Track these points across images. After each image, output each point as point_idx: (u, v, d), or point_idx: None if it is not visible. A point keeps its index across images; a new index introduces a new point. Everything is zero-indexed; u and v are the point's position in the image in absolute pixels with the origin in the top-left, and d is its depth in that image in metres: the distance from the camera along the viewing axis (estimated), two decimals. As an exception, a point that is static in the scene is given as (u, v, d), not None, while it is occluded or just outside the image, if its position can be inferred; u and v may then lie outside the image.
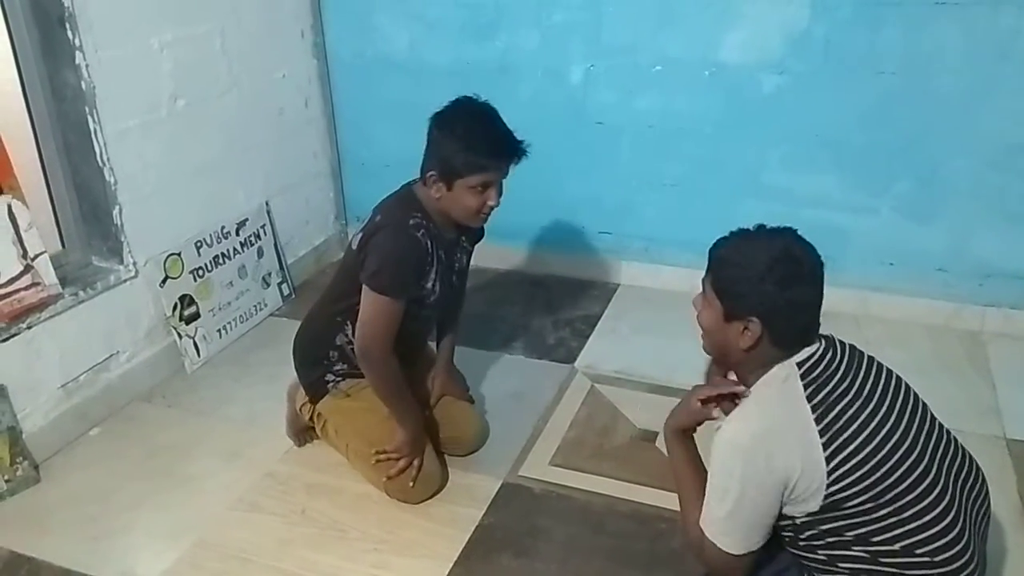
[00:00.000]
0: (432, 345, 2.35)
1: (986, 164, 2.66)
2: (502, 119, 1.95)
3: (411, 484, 2.09)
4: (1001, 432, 2.34)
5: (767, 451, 1.40)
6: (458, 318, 2.32)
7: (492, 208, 1.96)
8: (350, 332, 2.05)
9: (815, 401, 1.41)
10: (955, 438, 1.53)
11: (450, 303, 2.19)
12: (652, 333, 2.89)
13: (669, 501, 2.11)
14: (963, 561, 1.39)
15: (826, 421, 1.39)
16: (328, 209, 3.52)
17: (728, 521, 1.46)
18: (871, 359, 1.53)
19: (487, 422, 2.38)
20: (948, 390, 2.46)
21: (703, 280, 1.53)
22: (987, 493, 1.53)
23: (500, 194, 1.95)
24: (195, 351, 2.76)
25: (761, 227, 1.50)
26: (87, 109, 2.32)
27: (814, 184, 2.86)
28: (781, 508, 1.44)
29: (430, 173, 1.92)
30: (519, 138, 1.91)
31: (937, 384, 2.26)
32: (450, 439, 2.26)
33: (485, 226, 2.13)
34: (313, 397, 2.20)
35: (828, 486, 1.38)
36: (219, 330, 2.87)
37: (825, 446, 1.38)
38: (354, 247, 2.02)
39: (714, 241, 1.53)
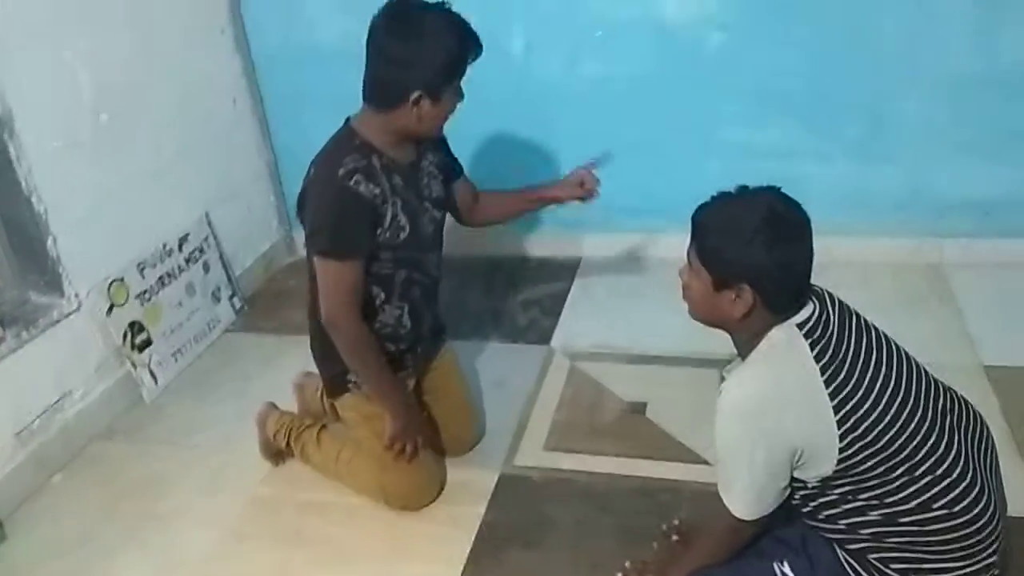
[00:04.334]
0: (450, 349, 2.22)
1: (933, 99, 2.69)
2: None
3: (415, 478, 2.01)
4: (977, 360, 2.39)
5: (777, 414, 1.37)
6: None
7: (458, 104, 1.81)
8: None
9: (823, 362, 1.37)
10: (947, 386, 1.51)
11: (439, 237, 1.99)
12: (622, 303, 2.86)
13: (670, 471, 2.12)
14: (981, 507, 1.37)
15: (836, 383, 1.36)
16: (270, 213, 3.37)
17: (741, 486, 1.43)
18: (857, 314, 1.50)
19: (484, 415, 2.30)
20: (919, 325, 2.48)
21: (688, 250, 1.47)
22: (989, 434, 1.52)
23: None
24: (152, 379, 2.60)
25: (742, 188, 1.44)
26: (4, 135, 2.14)
27: (768, 136, 2.85)
28: (792, 472, 1.41)
29: (415, 93, 1.70)
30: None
31: (907, 320, 2.26)
32: (453, 438, 2.18)
33: (450, 138, 1.99)
34: (332, 393, 2.06)
35: (841, 450, 1.35)
36: (174, 354, 2.71)
37: (836, 408, 1.35)
38: (298, 208, 1.87)
39: (695, 208, 1.47)
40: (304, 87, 3.15)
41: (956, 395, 1.50)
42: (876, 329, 1.49)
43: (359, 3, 2.95)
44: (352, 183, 1.73)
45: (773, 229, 1.35)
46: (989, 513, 1.38)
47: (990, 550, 1.39)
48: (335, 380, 2.02)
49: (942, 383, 1.49)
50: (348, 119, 1.85)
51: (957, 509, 1.36)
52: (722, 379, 1.53)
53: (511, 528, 1.98)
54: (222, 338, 2.92)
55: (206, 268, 2.91)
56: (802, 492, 1.45)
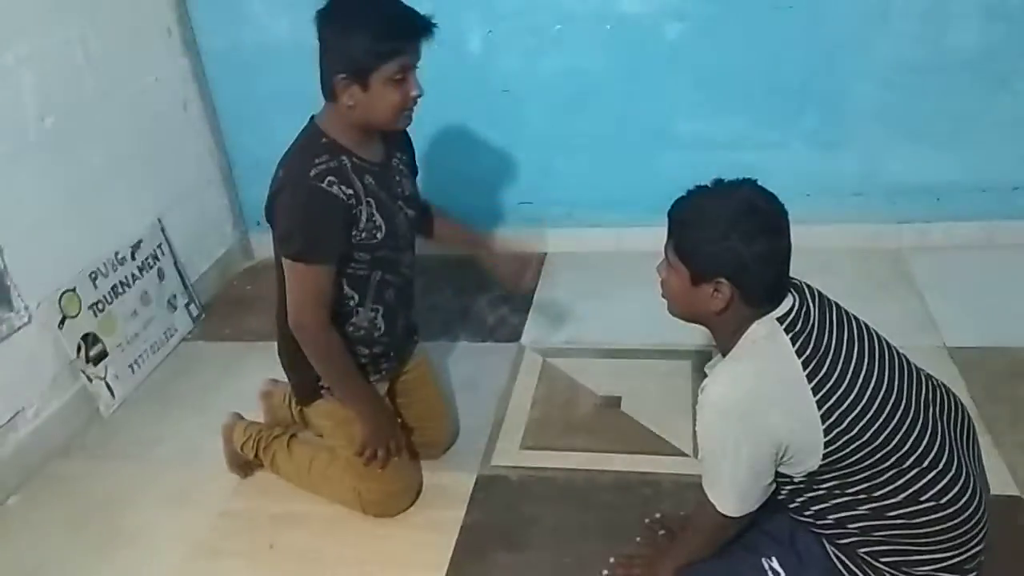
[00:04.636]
0: (423, 350, 2.18)
1: (886, 86, 2.73)
2: None
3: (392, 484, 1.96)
4: (941, 342, 2.43)
5: (760, 409, 1.36)
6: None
7: (416, 99, 1.68)
8: None
9: (804, 356, 1.36)
10: (927, 374, 1.51)
11: (413, 236, 1.93)
12: (590, 297, 2.84)
13: (649, 464, 2.11)
14: (967, 498, 1.38)
15: (818, 377, 1.35)
16: (224, 217, 3.28)
17: (726, 483, 1.42)
18: (837, 306, 1.49)
19: (458, 417, 2.26)
20: (883, 310, 2.47)
21: (665, 246, 1.46)
22: (970, 421, 1.52)
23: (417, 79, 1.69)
24: (109, 393, 2.51)
25: (719, 182, 1.43)
26: (-56, 143, 2.03)
27: (727, 127, 2.87)
28: (777, 468, 1.40)
29: (339, 78, 1.64)
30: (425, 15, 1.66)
31: (871, 305, 2.24)
32: (427, 442, 2.14)
33: (412, 137, 1.93)
34: (303, 400, 1.99)
35: (826, 444, 1.34)
36: (131, 365, 2.62)
37: (820, 403, 1.34)
38: (265, 211, 1.78)
39: (672, 203, 1.45)
40: (257, 87, 3.07)
41: (936, 383, 1.50)
42: (857, 320, 1.49)
43: (309, 3, 2.87)
44: (325, 184, 1.67)
45: (751, 222, 1.34)
46: (975, 504, 1.39)
47: (978, 539, 1.40)
48: (306, 386, 1.95)
49: (923, 371, 1.49)
50: (312, 117, 1.79)
51: (944, 501, 1.36)
52: (704, 376, 1.53)
53: (492, 530, 1.95)
54: (180, 347, 2.83)
55: (161, 275, 2.81)
56: (789, 487, 1.45)
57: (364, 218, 1.73)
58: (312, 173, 1.66)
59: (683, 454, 2.12)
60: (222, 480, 2.18)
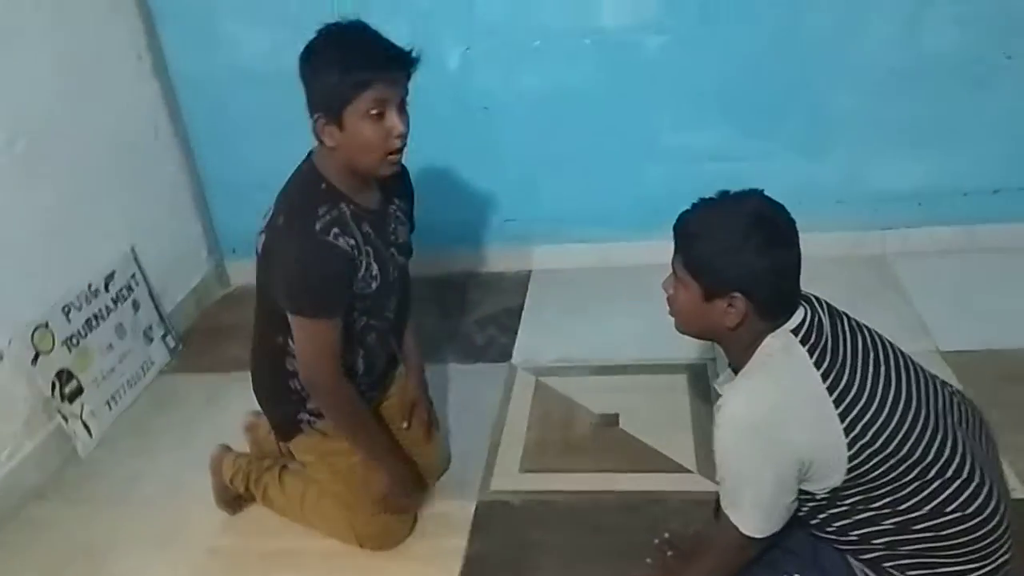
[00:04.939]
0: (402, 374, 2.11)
1: (866, 93, 2.74)
2: (377, 31, 1.62)
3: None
4: (933, 346, 2.43)
5: (782, 425, 1.32)
6: (409, 309, 2.03)
7: (401, 136, 1.57)
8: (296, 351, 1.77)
9: (823, 369, 1.33)
10: (942, 381, 1.49)
11: (402, 287, 1.88)
12: (579, 314, 2.81)
13: (653, 483, 2.06)
14: (992, 506, 1.35)
15: (839, 389, 1.32)
16: (199, 245, 3.19)
17: (749, 504, 1.37)
18: (846, 316, 1.47)
19: (448, 442, 2.20)
20: (874, 316, 2.42)
21: (673, 261, 1.42)
22: (985, 426, 1.50)
23: (405, 117, 1.58)
24: (86, 431, 2.40)
25: (724, 194, 1.39)
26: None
27: (710, 138, 2.86)
28: (799, 485, 1.36)
29: (316, 117, 1.56)
30: (406, 47, 1.57)
31: (860, 312, 2.22)
32: (419, 469, 2.06)
33: (411, 180, 1.87)
34: (284, 436, 1.91)
35: (850, 458, 1.31)
36: (108, 402, 2.51)
37: (842, 416, 1.31)
38: (258, 250, 1.69)
39: (677, 216, 1.41)
40: (229, 111, 3.00)
41: (952, 390, 1.48)
42: (868, 329, 1.46)
43: (281, 18, 2.79)
44: (331, 237, 1.60)
45: (763, 234, 1.31)
46: (1001, 512, 1.36)
47: (1004, 547, 1.37)
48: (287, 422, 1.88)
49: (937, 378, 1.47)
50: (310, 153, 1.71)
51: (970, 511, 1.33)
52: (716, 394, 1.49)
53: (498, 558, 1.89)
54: (158, 380, 2.73)
55: (135, 306, 2.72)
56: (810, 504, 1.40)
57: (363, 268, 1.68)
58: (318, 227, 1.59)
59: (687, 470, 2.08)
60: (209, 517, 2.09)
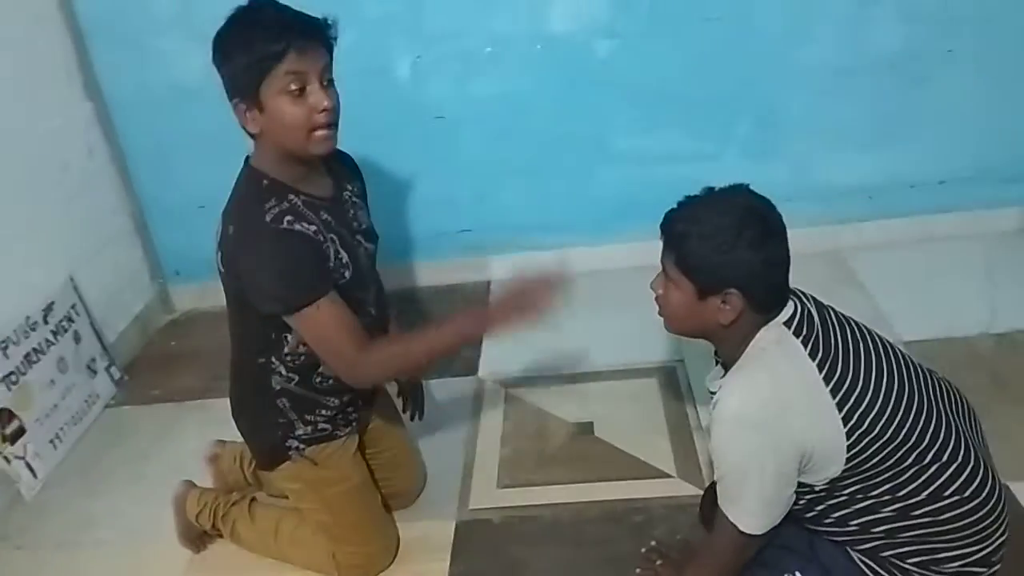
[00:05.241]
0: (387, 394, 2.04)
1: (814, 92, 2.78)
2: (287, 5, 1.52)
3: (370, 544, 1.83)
4: (898, 338, 2.45)
5: (781, 417, 1.30)
6: (388, 303, 1.90)
7: (327, 111, 1.47)
8: (283, 369, 1.67)
9: (818, 359, 1.33)
10: (928, 368, 1.49)
11: (374, 277, 1.79)
12: (542, 322, 2.75)
13: (634, 490, 2.03)
14: (988, 488, 1.36)
15: (835, 378, 1.32)
16: (141, 269, 3.05)
17: (749, 499, 1.35)
18: (833, 308, 1.47)
19: (424, 463, 2.12)
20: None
21: (662, 260, 1.40)
22: (972, 408, 1.51)
23: (331, 92, 1.50)
24: (30, 473, 2.25)
25: (710, 190, 1.40)
26: None
27: (662, 141, 2.86)
28: (798, 477, 1.35)
29: (235, 103, 1.49)
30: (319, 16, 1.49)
31: None
32: (394, 492, 1.98)
33: (357, 163, 1.78)
34: (269, 464, 1.79)
35: (849, 447, 1.31)
36: (52, 441, 2.36)
37: (839, 405, 1.31)
38: (220, 268, 1.59)
39: (664, 215, 1.39)
40: (167, 130, 2.88)
41: (939, 376, 1.49)
42: (855, 320, 1.46)
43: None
44: (285, 225, 1.50)
45: (756, 228, 1.31)
46: (997, 493, 1.37)
47: (1001, 529, 1.38)
48: (274, 450, 1.76)
49: (924, 366, 1.48)
50: (247, 158, 1.62)
51: (968, 494, 1.33)
52: (709, 392, 1.46)
53: (483, 579, 1.83)
54: (104, 414, 2.59)
55: (77, 338, 2.57)
56: (808, 497, 1.39)
57: (332, 256, 1.57)
58: (268, 219, 1.50)
59: (667, 475, 2.05)
60: (171, 557, 1.98)
